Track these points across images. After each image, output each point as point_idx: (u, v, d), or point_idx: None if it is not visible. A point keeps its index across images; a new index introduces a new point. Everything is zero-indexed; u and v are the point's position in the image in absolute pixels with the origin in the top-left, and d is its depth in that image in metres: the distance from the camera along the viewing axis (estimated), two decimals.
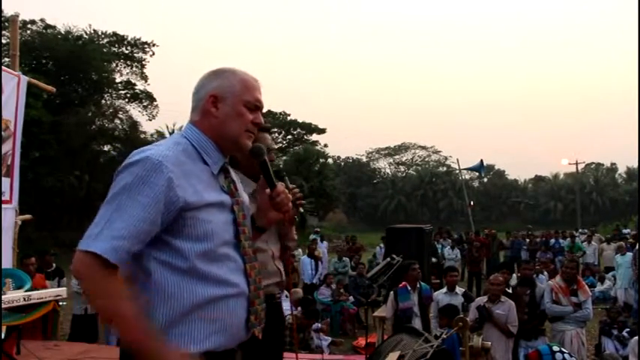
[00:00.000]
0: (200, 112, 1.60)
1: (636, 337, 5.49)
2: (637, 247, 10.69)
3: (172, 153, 1.48)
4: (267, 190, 1.78)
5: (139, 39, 30.81)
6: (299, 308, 7.70)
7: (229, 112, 1.58)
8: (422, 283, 6.05)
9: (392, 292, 6.00)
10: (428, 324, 5.86)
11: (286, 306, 7.55)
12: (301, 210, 2.13)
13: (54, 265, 8.23)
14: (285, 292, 3.66)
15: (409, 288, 5.90)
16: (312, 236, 16.79)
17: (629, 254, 11.08)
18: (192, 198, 1.46)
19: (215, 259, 1.50)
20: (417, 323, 5.72)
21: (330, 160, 43.68)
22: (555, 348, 3.47)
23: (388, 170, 60.17)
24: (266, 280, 2.01)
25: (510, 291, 6.37)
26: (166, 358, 1.37)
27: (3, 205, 5.18)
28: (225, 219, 1.55)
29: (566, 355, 3.40)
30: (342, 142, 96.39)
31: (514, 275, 8.96)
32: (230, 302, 1.51)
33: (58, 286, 7.08)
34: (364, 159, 59.20)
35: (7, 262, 5.17)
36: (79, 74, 27.41)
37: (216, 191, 1.55)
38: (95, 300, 1.41)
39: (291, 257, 2.82)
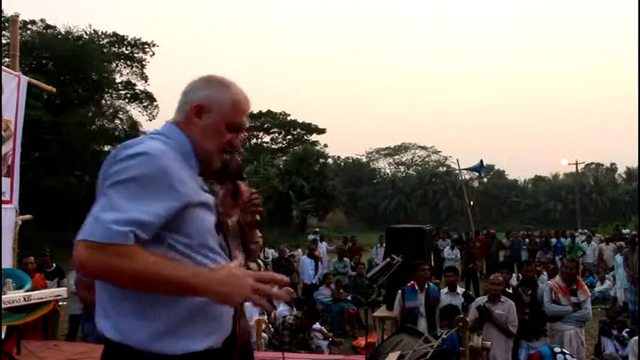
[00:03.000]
0: (184, 116, 1.59)
1: (636, 337, 5.50)
2: (628, 247, 10.67)
3: (166, 149, 1.47)
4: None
5: (139, 39, 30.87)
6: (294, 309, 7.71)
7: (209, 127, 1.56)
8: (430, 284, 6.08)
9: (399, 291, 6.05)
10: (434, 325, 5.89)
11: (282, 307, 7.58)
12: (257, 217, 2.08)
13: (54, 265, 8.24)
14: None
15: (417, 288, 5.95)
16: (310, 236, 16.79)
17: None
18: (192, 194, 1.47)
19: (207, 256, 1.51)
20: (422, 323, 5.75)
21: (330, 160, 43.72)
22: (556, 349, 3.49)
23: (388, 170, 60.18)
24: None
25: (510, 291, 6.38)
26: (222, 279, 1.37)
27: (3, 205, 5.18)
28: (212, 218, 1.56)
29: (567, 356, 3.41)
30: (342, 142, 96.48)
31: (514, 275, 8.96)
32: None
33: (58, 286, 7.09)
34: (364, 159, 59.26)
35: (7, 262, 5.18)
36: (79, 74, 27.42)
37: (202, 191, 1.55)
38: (121, 278, 1.36)
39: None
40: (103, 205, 1.39)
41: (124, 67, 31.11)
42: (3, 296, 4.22)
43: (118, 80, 30.83)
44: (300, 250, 15.30)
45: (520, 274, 9.39)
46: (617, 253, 11.80)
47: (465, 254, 14.12)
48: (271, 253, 14.75)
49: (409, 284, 5.98)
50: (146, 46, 30.90)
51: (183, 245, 1.46)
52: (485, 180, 56.79)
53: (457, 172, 38.98)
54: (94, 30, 29.79)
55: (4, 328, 4.27)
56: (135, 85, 31.22)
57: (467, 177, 46.80)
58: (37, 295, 4.70)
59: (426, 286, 6.02)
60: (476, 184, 56.20)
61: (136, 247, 1.34)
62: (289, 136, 44.91)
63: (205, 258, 1.50)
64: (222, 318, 1.53)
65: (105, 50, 29.33)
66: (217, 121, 1.57)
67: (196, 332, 1.46)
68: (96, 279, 1.45)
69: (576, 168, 45.21)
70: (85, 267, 1.36)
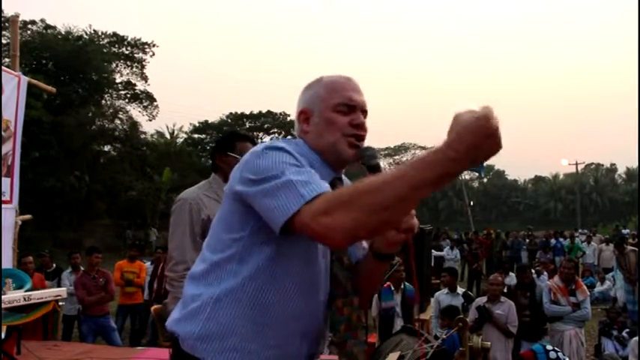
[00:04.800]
0: (298, 128, 1.47)
1: (636, 338, 5.50)
2: (617, 250, 10.65)
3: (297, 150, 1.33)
4: None
5: (139, 39, 30.88)
6: None
7: (319, 124, 1.41)
8: (406, 284, 6.07)
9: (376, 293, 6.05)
10: (411, 325, 5.88)
11: None
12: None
13: (54, 265, 8.25)
14: None
15: (392, 288, 5.95)
16: None
17: None
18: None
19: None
20: (398, 323, 5.74)
21: None
22: (549, 347, 3.49)
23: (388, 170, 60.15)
24: None
25: (505, 290, 6.39)
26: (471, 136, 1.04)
27: (3, 205, 5.18)
28: None
29: (559, 354, 3.41)
30: None
31: (512, 275, 8.96)
32: None
33: (58, 286, 7.08)
34: None
35: (7, 262, 5.18)
36: (79, 74, 27.42)
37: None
38: (382, 207, 1.08)
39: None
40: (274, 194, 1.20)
41: (124, 68, 31.14)
42: (3, 296, 4.22)
43: (118, 80, 30.86)
44: None
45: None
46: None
47: (468, 254, 14.13)
48: None
49: (385, 285, 5.97)
50: (146, 46, 30.93)
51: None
52: (485, 180, 56.86)
53: None
54: (94, 30, 29.85)
55: (4, 328, 4.27)
56: (135, 85, 31.26)
57: (467, 177, 46.91)
58: (37, 295, 4.70)
59: (402, 286, 6.02)
60: (476, 184, 56.26)
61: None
62: (289, 137, 44.79)
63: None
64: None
65: (105, 50, 29.34)
66: (322, 112, 1.41)
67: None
68: (359, 238, 1.23)
69: (576, 168, 45.31)
70: (335, 232, 1.10)
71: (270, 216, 1.20)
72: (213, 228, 1.41)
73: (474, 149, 1.04)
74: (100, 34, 30.16)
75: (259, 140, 43.94)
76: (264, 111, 43.22)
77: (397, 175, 1.09)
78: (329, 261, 1.40)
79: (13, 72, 5.64)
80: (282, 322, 1.32)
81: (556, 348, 3.57)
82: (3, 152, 5.36)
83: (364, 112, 1.43)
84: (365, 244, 1.49)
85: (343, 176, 1.50)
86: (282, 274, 1.30)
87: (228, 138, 2.86)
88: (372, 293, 1.75)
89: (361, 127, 1.41)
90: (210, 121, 40.27)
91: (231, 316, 1.29)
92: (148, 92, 31.41)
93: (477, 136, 1.04)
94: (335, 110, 1.40)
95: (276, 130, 44.54)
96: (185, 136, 37.21)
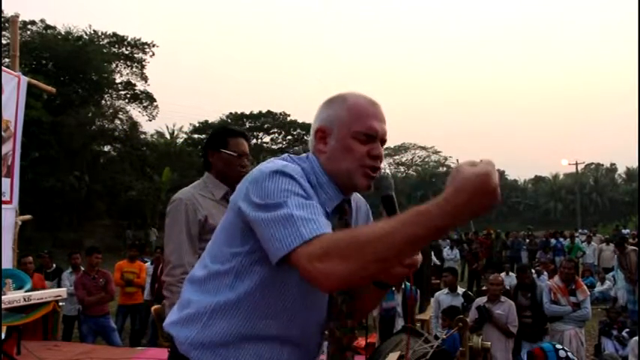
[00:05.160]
0: (313, 145, 1.41)
1: (636, 338, 5.50)
2: (618, 249, 10.64)
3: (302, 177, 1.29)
4: None
5: (139, 39, 30.89)
6: None
7: (337, 148, 1.36)
8: (406, 284, 6.06)
9: None
10: (412, 324, 5.89)
11: None
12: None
13: (54, 265, 8.24)
14: None
15: (393, 289, 5.94)
16: None
17: None
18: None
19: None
20: (399, 323, 5.74)
21: None
22: (558, 346, 3.50)
23: (388, 170, 60.19)
24: None
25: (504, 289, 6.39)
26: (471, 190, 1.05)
27: (3, 206, 5.17)
28: None
29: (569, 354, 3.42)
30: None
31: (513, 275, 8.96)
32: None
33: (58, 286, 7.08)
34: None
35: (7, 263, 5.18)
36: (79, 75, 27.45)
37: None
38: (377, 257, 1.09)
39: None
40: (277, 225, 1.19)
41: (124, 68, 31.16)
42: (3, 297, 4.22)
43: (118, 80, 30.88)
44: None
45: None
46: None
47: (468, 254, 14.12)
48: None
49: None
50: (146, 46, 30.94)
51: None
52: None
53: None
54: (94, 30, 29.87)
55: (4, 329, 4.27)
56: (135, 85, 31.29)
57: None
58: (37, 296, 4.70)
59: (402, 286, 6.02)
60: None
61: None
62: (289, 137, 44.89)
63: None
64: None
65: (105, 50, 29.36)
66: (342, 137, 1.35)
67: None
68: (351, 285, 1.25)
69: (576, 168, 45.32)
70: (328, 279, 1.11)
71: (267, 246, 1.20)
72: (216, 234, 1.40)
73: (471, 205, 1.06)
74: (99, 34, 30.20)
75: (259, 140, 44.03)
76: (264, 111, 43.24)
77: (396, 226, 1.08)
78: None
79: (13, 72, 5.64)
80: (275, 341, 1.34)
81: (565, 347, 3.58)
82: (3, 152, 5.36)
83: (383, 142, 1.39)
84: None
85: (355, 196, 1.48)
86: (277, 295, 1.30)
87: (219, 134, 2.73)
88: (366, 314, 1.75)
89: (379, 159, 1.37)
90: (210, 121, 40.27)
91: (224, 329, 1.31)
92: (147, 92, 31.46)
93: (476, 193, 1.05)
94: (354, 137, 1.35)
95: (276, 130, 44.54)
96: (185, 136, 37.22)
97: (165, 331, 1.41)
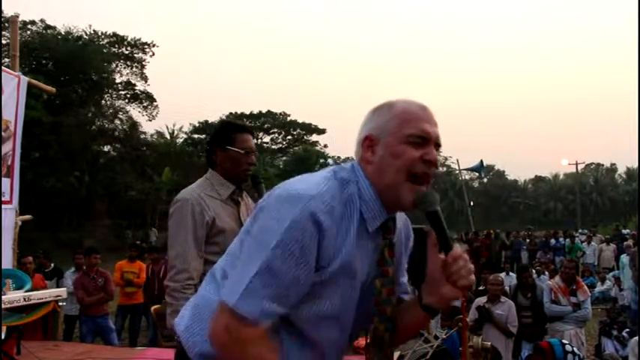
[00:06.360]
0: (359, 155, 1.33)
1: (636, 338, 5.50)
2: (635, 248, 10.64)
3: (334, 202, 1.21)
4: (442, 255, 1.27)
5: (139, 39, 30.84)
6: None
7: (384, 157, 1.27)
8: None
9: None
10: None
11: None
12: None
13: (52, 264, 8.24)
14: None
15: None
16: None
17: None
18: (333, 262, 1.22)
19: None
20: None
21: (330, 161, 43.64)
22: (564, 341, 3.54)
23: None
24: None
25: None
26: None
27: (3, 206, 5.17)
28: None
29: (575, 349, 3.46)
30: (342, 142, 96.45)
31: (513, 275, 8.95)
32: None
33: (57, 286, 7.08)
34: None
35: (7, 263, 5.17)
36: (79, 75, 27.42)
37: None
38: None
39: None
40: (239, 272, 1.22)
41: (124, 68, 31.11)
42: (3, 296, 4.22)
43: (117, 80, 30.84)
44: None
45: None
46: (623, 253, 11.70)
47: (468, 254, 14.11)
48: None
49: None
50: (146, 46, 30.90)
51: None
52: (485, 180, 56.79)
53: (457, 172, 39.07)
54: (94, 30, 29.82)
55: (4, 329, 4.27)
56: (135, 85, 31.24)
57: (467, 177, 46.85)
58: (37, 296, 4.70)
59: None
60: (476, 184, 56.21)
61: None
62: (289, 137, 44.88)
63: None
64: None
65: (105, 50, 29.32)
66: (390, 144, 1.27)
67: None
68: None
69: (576, 168, 45.29)
70: (216, 347, 1.22)
71: (228, 273, 1.27)
72: (241, 235, 1.33)
73: None
74: (99, 34, 30.14)
75: (259, 140, 44.01)
76: (264, 111, 43.23)
77: None
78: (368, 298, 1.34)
79: (12, 72, 5.64)
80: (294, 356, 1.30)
81: (571, 343, 3.62)
82: (3, 152, 5.36)
83: (437, 146, 1.30)
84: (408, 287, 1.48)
85: (399, 215, 1.40)
86: (297, 317, 1.26)
87: (225, 130, 2.57)
88: (405, 341, 1.75)
89: (433, 164, 1.27)
90: (210, 121, 40.27)
91: None
92: (147, 92, 31.41)
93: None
94: (406, 142, 1.26)
95: (276, 130, 44.54)
96: (185, 136, 37.20)
97: (178, 334, 1.37)
